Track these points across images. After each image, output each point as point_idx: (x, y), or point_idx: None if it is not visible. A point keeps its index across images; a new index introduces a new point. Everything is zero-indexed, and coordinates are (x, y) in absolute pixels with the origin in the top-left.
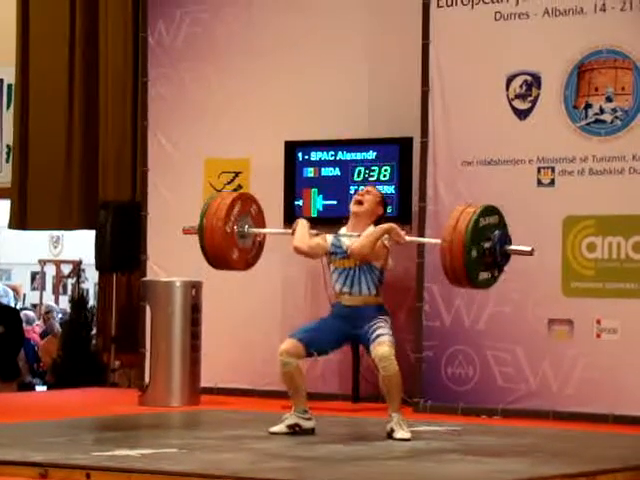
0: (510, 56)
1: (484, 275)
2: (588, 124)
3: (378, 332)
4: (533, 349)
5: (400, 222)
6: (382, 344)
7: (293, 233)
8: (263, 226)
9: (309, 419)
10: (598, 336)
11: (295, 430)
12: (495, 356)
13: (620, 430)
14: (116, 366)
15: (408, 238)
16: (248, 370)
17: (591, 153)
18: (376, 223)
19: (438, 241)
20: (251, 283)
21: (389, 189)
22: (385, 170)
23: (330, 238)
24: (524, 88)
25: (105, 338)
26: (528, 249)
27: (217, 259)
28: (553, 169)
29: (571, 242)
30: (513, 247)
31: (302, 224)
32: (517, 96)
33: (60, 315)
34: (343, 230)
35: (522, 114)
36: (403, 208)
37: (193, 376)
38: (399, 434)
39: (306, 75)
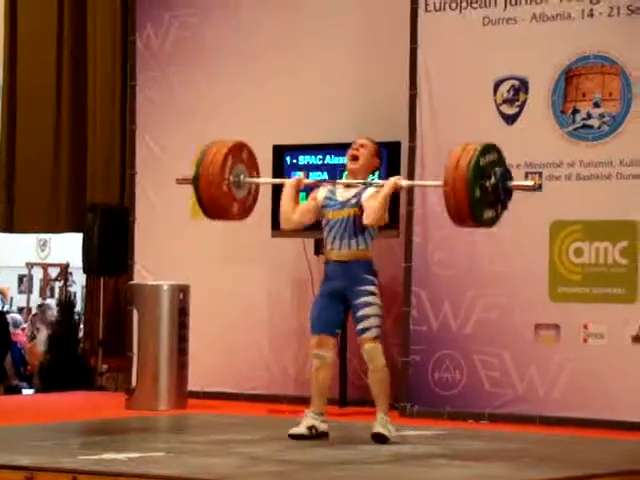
0: (498, 61)
1: (488, 213)
2: (575, 129)
3: (364, 313)
4: (520, 354)
5: (388, 225)
6: (367, 341)
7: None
8: (257, 171)
9: (324, 422)
10: (585, 341)
11: (312, 432)
12: (482, 360)
13: (607, 435)
14: (103, 369)
15: (407, 182)
16: (235, 374)
17: (578, 158)
18: (373, 172)
19: (439, 183)
20: (238, 286)
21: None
22: (372, 173)
23: (323, 192)
24: (512, 93)
25: (92, 341)
26: (530, 183)
27: (214, 209)
28: (540, 174)
29: (558, 247)
30: (515, 182)
31: (286, 190)
32: (505, 101)
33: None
34: (341, 181)
35: (510, 119)
36: (390, 210)
37: (180, 380)
38: (377, 428)
39: (294, 79)
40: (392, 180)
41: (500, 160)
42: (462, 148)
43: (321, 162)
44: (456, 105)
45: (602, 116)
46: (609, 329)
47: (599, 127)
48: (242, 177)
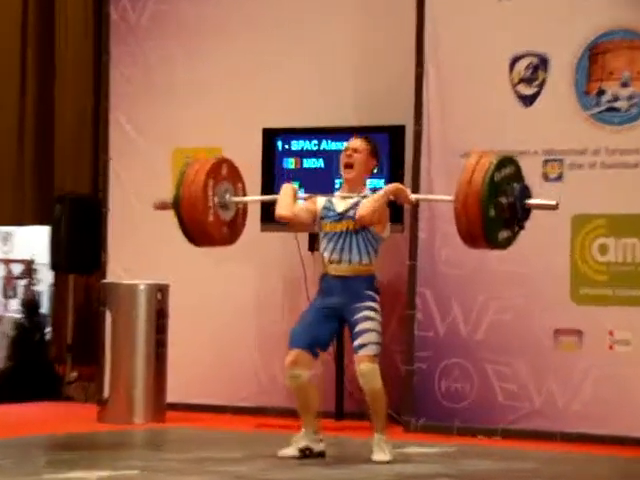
0: (514, 36)
1: (503, 234)
2: (601, 112)
3: (362, 328)
4: (538, 362)
5: (392, 220)
6: (363, 359)
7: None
8: (242, 184)
9: (320, 441)
10: (610, 348)
11: (306, 454)
12: (495, 370)
13: (636, 453)
14: (72, 378)
15: (414, 196)
16: (220, 384)
17: (604, 145)
18: (371, 174)
19: (450, 198)
20: (225, 286)
21: (378, 183)
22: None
23: (322, 201)
24: (530, 71)
25: (60, 347)
26: (552, 203)
27: (200, 236)
28: (561, 162)
29: (580, 243)
30: (534, 201)
31: (286, 190)
32: (522, 80)
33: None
34: (338, 194)
35: (527, 100)
36: (394, 205)
37: (158, 390)
38: (377, 456)
39: (287, 55)
40: (394, 185)
41: (517, 174)
42: (476, 160)
43: (316, 148)
44: (467, 85)
45: (631, 97)
46: (637, 335)
47: (627, 110)
48: (228, 197)
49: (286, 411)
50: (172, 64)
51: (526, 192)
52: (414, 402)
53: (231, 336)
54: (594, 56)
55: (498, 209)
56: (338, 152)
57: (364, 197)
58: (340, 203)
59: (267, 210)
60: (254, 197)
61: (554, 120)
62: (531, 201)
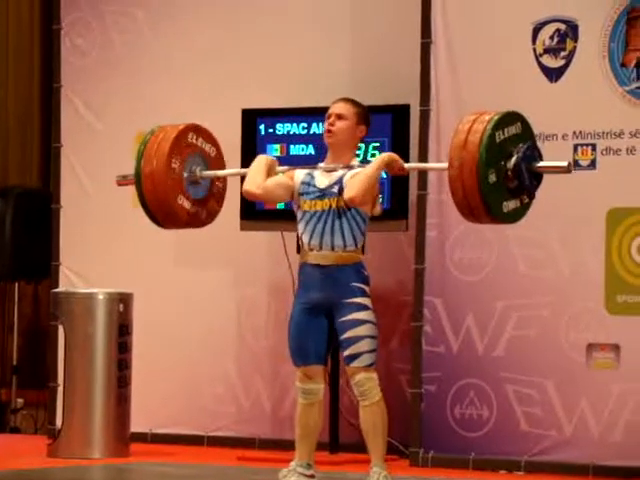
0: None
1: (510, 205)
2: None
3: (353, 335)
4: (567, 383)
5: (394, 215)
6: (358, 371)
7: None
8: (220, 162)
9: (312, 477)
10: None
11: None
12: (517, 392)
13: None
14: (18, 405)
15: (408, 166)
16: (194, 410)
17: None
18: (361, 141)
19: (444, 165)
20: (198, 295)
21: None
22: (374, 147)
23: (301, 175)
24: (556, 40)
25: (4, 368)
26: (564, 164)
27: (163, 214)
28: (594, 147)
29: (617, 242)
30: (544, 163)
31: (258, 162)
32: (547, 50)
33: None
34: (322, 165)
35: (553, 74)
36: (397, 197)
37: (120, 419)
38: None
39: (270, 25)
40: (386, 154)
41: (525, 134)
42: (474, 118)
43: (306, 132)
44: (482, 57)
45: None
46: None
47: None
48: (198, 170)
49: (273, 442)
50: (135, 33)
51: (534, 153)
52: (422, 431)
53: (206, 354)
54: (632, 20)
55: (500, 174)
56: None
57: (350, 168)
58: (322, 178)
59: (248, 205)
60: (229, 170)
61: (585, 97)
62: (540, 164)
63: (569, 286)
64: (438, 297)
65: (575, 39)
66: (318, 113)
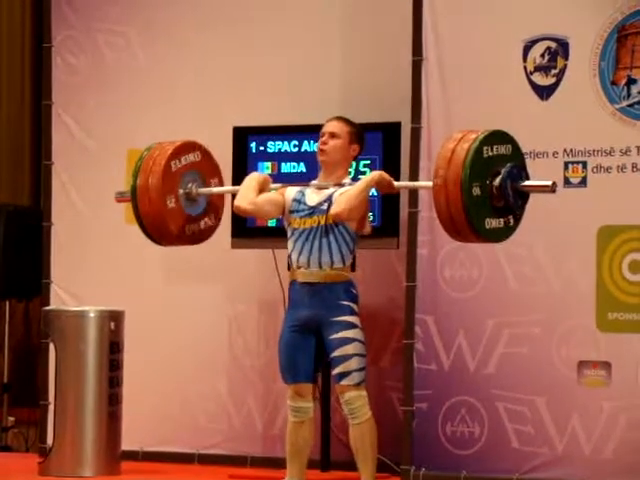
0: (529, 16)
1: (494, 223)
2: (631, 105)
3: (342, 354)
4: (559, 401)
5: (385, 232)
6: (348, 389)
7: None
8: (219, 179)
9: None
10: None
11: None
12: (509, 410)
13: None
14: (9, 423)
15: (397, 184)
16: (185, 428)
17: (635, 144)
18: (354, 160)
19: (430, 184)
20: (190, 313)
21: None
22: (365, 165)
23: (292, 192)
24: (547, 58)
25: None
26: (548, 183)
27: (160, 233)
28: (585, 165)
29: (609, 260)
30: (529, 182)
31: (250, 179)
32: (537, 68)
33: None
34: (314, 183)
35: (544, 92)
36: (388, 214)
37: (111, 437)
38: None
39: (261, 43)
40: (376, 173)
41: (513, 153)
42: (461, 136)
43: (297, 150)
44: (474, 74)
45: None
46: None
47: None
48: (193, 187)
49: (265, 460)
50: (127, 51)
51: (521, 173)
52: (413, 449)
53: (197, 371)
54: (622, 38)
55: (485, 190)
56: None
57: (341, 186)
58: (313, 195)
59: (239, 223)
60: (224, 188)
61: (576, 115)
62: (525, 183)
63: (560, 303)
64: (429, 314)
65: (566, 57)
66: (309, 131)
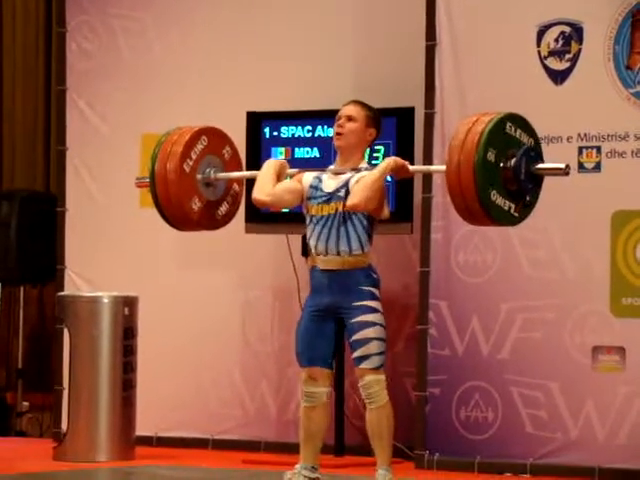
0: (543, 1)
1: (506, 206)
2: None
3: (363, 337)
4: (573, 386)
5: (399, 217)
6: (366, 372)
7: None
8: (236, 163)
9: (316, 479)
10: None
11: None
12: (523, 395)
13: None
14: (23, 409)
15: (412, 168)
16: (199, 414)
17: None
18: (371, 145)
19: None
20: (204, 298)
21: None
22: (378, 151)
23: (309, 178)
24: (561, 42)
25: (8, 372)
26: (561, 166)
27: (177, 217)
28: (599, 149)
29: (623, 245)
30: (542, 165)
31: (267, 167)
32: (552, 53)
33: None
34: (331, 168)
35: (558, 76)
36: (402, 200)
37: (126, 422)
38: None
39: (274, 28)
40: (391, 159)
41: (527, 136)
42: (476, 118)
43: (310, 135)
44: (487, 59)
45: None
46: None
47: None
48: (212, 172)
49: (278, 445)
50: (141, 36)
51: (534, 155)
52: (427, 434)
53: (211, 356)
54: (637, 23)
55: (497, 173)
56: None
57: (357, 171)
58: (330, 181)
59: (252, 208)
60: (242, 173)
61: (590, 100)
62: (538, 165)
63: (574, 288)
64: (443, 300)
65: (580, 41)
66: (323, 116)
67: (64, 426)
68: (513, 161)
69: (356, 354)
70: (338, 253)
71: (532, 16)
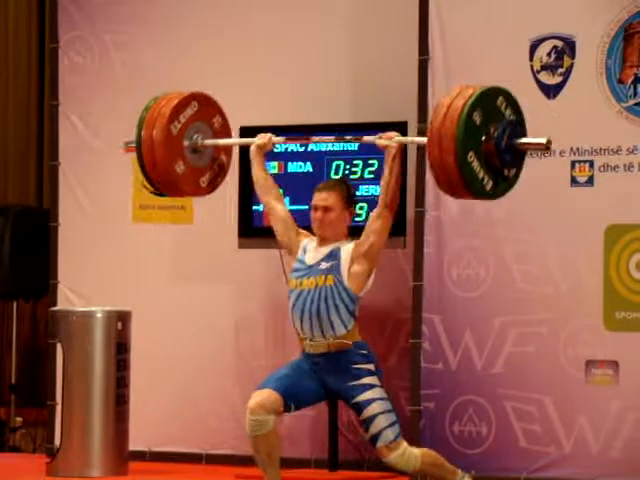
0: (536, 15)
1: (480, 173)
2: (638, 104)
3: (369, 415)
4: (566, 400)
5: (392, 232)
6: (383, 452)
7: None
8: (224, 130)
9: None
10: None
11: None
12: (516, 409)
13: None
14: (16, 424)
15: (397, 139)
16: (193, 429)
17: None
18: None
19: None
20: (197, 312)
21: (376, 190)
22: (371, 165)
23: (304, 244)
24: (553, 57)
25: (2, 387)
26: (542, 141)
27: (161, 179)
28: (592, 163)
29: (616, 259)
30: (524, 140)
31: (253, 164)
32: (544, 67)
33: None
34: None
35: (551, 91)
36: (395, 214)
37: (119, 437)
38: None
39: (269, 42)
40: (388, 133)
41: (514, 112)
42: (457, 92)
43: (303, 149)
44: (480, 73)
45: None
46: None
47: None
48: (199, 138)
49: None
50: (133, 51)
51: (516, 129)
52: (421, 448)
53: (204, 371)
54: (629, 37)
55: (479, 148)
56: (329, 154)
57: (338, 248)
58: (312, 254)
59: (246, 223)
60: (229, 140)
61: (583, 114)
62: (520, 140)
63: (567, 303)
64: (436, 314)
65: (572, 56)
66: (315, 130)
67: (57, 441)
68: (496, 132)
69: (369, 435)
70: (324, 336)
71: (524, 30)
